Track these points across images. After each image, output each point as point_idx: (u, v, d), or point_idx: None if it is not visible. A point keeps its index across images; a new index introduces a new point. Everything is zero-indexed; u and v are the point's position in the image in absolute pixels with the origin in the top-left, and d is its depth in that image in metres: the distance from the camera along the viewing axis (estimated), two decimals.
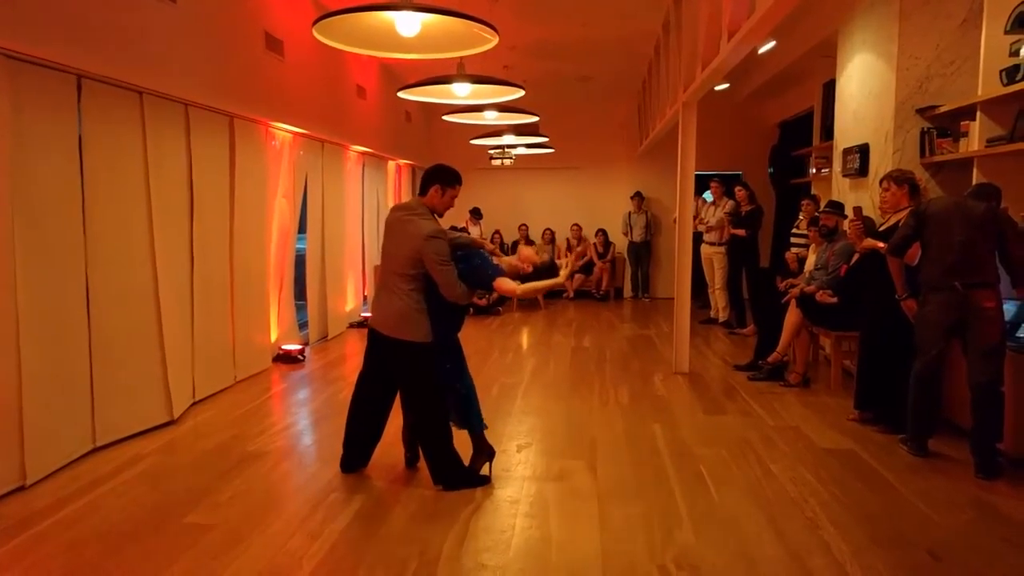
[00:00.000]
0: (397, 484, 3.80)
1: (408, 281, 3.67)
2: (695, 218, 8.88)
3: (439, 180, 3.76)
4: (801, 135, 9.50)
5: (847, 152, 6.27)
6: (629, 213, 11.45)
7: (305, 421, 5.03)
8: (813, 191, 8.15)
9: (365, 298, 9.38)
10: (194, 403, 5.18)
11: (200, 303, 5.23)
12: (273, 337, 6.67)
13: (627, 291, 11.78)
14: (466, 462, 3.83)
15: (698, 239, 8.93)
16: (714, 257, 8.75)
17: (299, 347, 6.80)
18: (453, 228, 11.15)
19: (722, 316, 8.81)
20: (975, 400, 3.91)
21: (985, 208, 4.01)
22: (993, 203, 4.07)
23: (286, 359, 6.65)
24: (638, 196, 11.43)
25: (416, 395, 3.77)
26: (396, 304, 3.67)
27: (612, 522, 3.34)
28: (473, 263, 3.71)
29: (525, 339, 8.23)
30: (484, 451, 3.88)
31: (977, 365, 3.91)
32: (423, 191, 3.78)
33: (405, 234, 3.66)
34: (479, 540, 3.17)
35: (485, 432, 3.90)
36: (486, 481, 3.78)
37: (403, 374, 3.77)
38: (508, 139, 8.77)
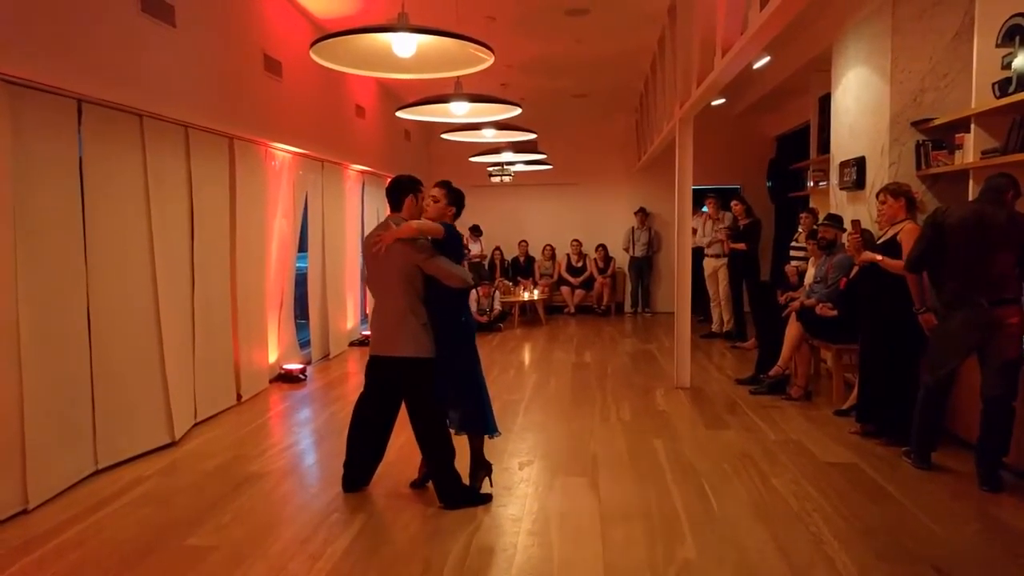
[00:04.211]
0: (398, 503, 3.79)
1: (405, 296, 3.68)
2: (695, 232, 8.95)
3: (410, 190, 3.82)
4: (798, 148, 9.54)
5: (844, 165, 6.30)
6: (633, 228, 11.47)
7: (307, 441, 5.02)
8: (811, 204, 8.18)
9: (365, 316, 9.39)
10: (195, 424, 5.17)
11: (201, 324, 5.24)
12: (274, 357, 6.67)
13: (628, 306, 11.78)
14: (465, 478, 3.83)
15: (700, 253, 9.00)
16: (718, 271, 8.79)
17: (300, 366, 6.79)
18: None
19: (727, 326, 8.84)
20: (986, 413, 3.85)
21: (1007, 218, 3.86)
22: (1015, 212, 3.91)
23: (287, 378, 6.64)
24: (642, 212, 11.45)
25: (423, 412, 3.76)
26: (399, 324, 3.68)
27: (614, 538, 3.33)
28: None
29: (526, 355, 8.23)
30: (483, 465, 3.89)
31: (992, 378, 3.84)
32: (398, 207, 3.82)
33: (389, 251, 3.67)
34: (481, 559, 3.16)
35: (487, 443, 3.92)
36: (488, 499, 3.77)
37: (411, 393, 3.77)
38: (507, 156, 8.82)
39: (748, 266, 8.37)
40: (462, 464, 3.82)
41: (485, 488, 3.86)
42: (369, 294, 9.27)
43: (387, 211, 3.99)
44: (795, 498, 3.76)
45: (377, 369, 3.83)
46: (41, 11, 3.63)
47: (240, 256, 5.80)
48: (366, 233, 9.12)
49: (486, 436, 3.90)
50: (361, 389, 3.97)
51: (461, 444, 3.86)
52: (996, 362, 3.84)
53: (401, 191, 3.83)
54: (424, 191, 3.88)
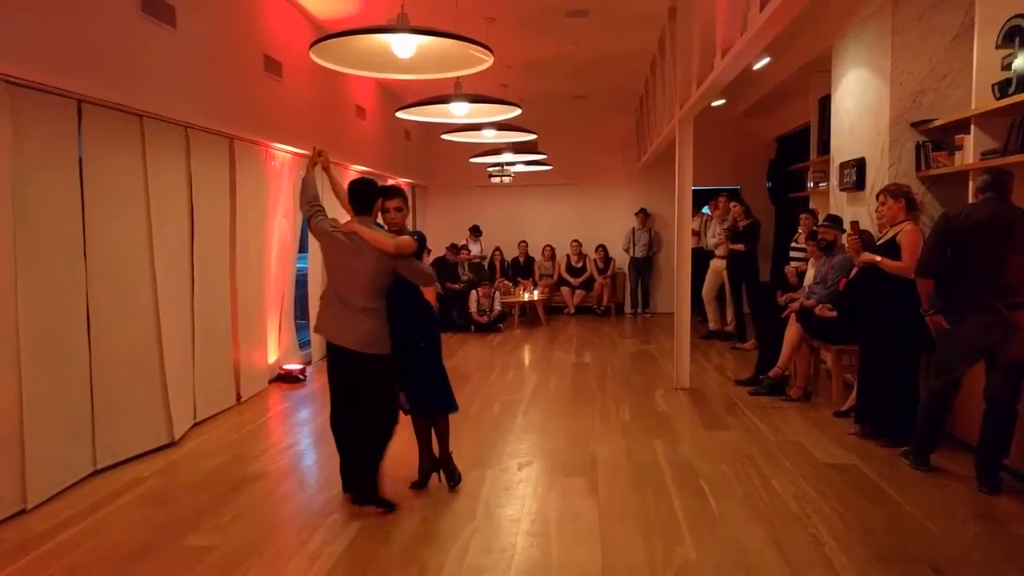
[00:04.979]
0: (397, 504, 3.79)
1: (376, 297, 3.67)
2: (696, 234, 8.97)
3: (379, 195, 3.78)
4: (799, 149, 9.54)
5: (843, 166, 6.30)
6: (633, 229, 11.46)
7: (306, 441, 5.02)
8: (811, 205, 8.17)
9: None
10: (195, 424, 5.18)
11: (201, 324, 5.24)
12: (273, 357, 6.67)
13: (627, 307, 11.78)
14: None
15: (704, 254, 9.01)
16: (724, 271, 8.80)
17: (300, 367, 6.80)
18: (453, 246, 11.14)
19: (730, 327, 8.85)
20: (989, 414, 3.83)
21: (1019, 216, 3.82)
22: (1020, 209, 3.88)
23: (287, 379, 6.65)
24: (643, 212, 11.46)
25: (378, 403, 3.74)
26: (367, 323, 3.65)
27: (613, 539, 3.33)
28: None
29: (526, 356, 8.23)
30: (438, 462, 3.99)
31: (999, 380, 3.81)
32: (368, 210, 3.75)
33: (363, 245, 3.63)
34: (480, 560, 3.16)
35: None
36: (393, 508, 3.70)
37: (368, 384, 3.73)
38: (507, 157, 8.83)
39: (748, 267, 8.39)
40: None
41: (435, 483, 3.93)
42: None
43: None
44: (794, 499, 3.76)
45: (337, 360, 3.78)
46: (41, 11, 3.63)
47: (240, 256, 5.81)
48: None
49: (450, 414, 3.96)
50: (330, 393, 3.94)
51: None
52: (1005, 364, 3.81)
53: (373, 196, 3.78)
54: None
